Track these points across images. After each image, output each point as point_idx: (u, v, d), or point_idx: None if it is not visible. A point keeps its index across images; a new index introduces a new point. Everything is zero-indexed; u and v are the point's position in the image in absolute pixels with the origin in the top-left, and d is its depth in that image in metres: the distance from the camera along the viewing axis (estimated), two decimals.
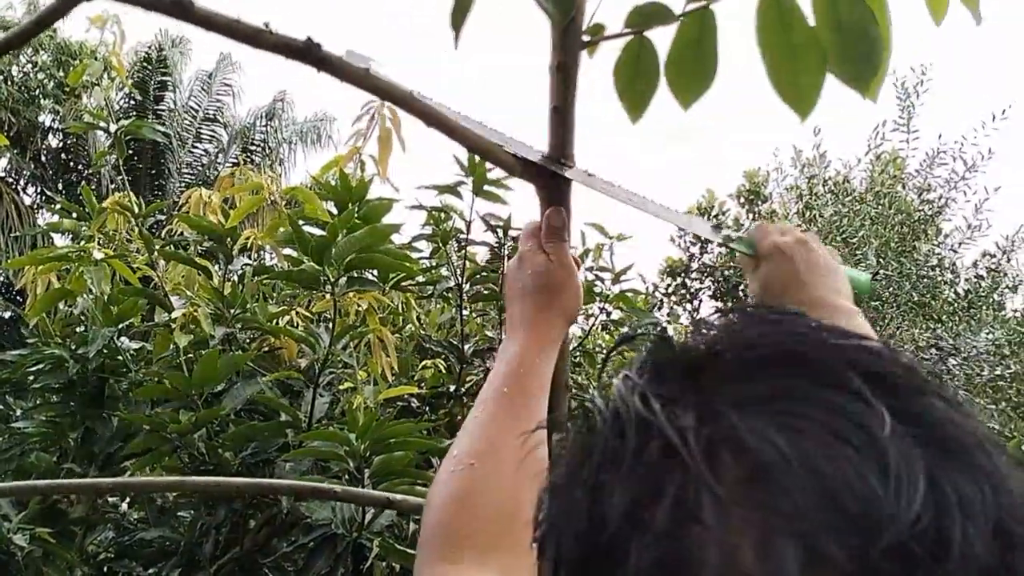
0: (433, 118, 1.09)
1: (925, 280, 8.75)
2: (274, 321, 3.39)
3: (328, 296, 3.03)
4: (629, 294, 3.97)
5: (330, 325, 3.14)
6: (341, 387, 3.39)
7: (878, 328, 8.77)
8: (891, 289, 8.72)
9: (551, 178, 1.18)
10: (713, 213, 13.68)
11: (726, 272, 13.14)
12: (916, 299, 8.66)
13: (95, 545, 3.57)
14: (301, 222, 2.94)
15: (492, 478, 0.98)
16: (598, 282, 3.93)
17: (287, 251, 3.31)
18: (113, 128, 3.49)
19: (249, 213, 3.72)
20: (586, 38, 1.14)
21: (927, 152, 10.03)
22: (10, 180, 16.71)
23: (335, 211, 3.17)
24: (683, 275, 13.92)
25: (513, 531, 0.91)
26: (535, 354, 1.12)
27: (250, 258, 3.79)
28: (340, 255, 2.85)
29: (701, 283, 13.79)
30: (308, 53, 1.03)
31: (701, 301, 13.72)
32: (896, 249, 8.79)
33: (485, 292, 3.84)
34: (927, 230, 9.17)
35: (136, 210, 3.55)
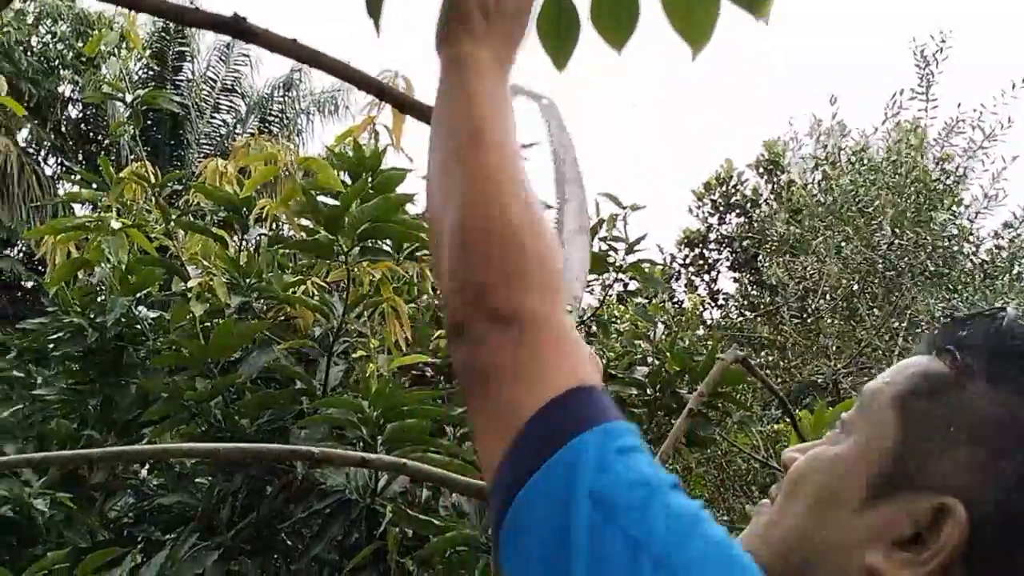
0: (372, 85, 1.14)
1: (941, 250, 8.69)
2: (290, 290, 3.42)
3: (342, 266, 3.05)
4: (644, 265, 3.98)
5: (344, 295, 3.17)
6: (355, 356, 3.42)
7: (894, 297, 8.75)
8: (907, 259, 8.67)
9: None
10: (732, 183, 13.60)
11: (744, 242, 13.08)
12: (932, 269, 8.61)
13: (115, 510, 3.64)
14: (315, 192, 2.96)
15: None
16: (612, 252, 3.93)
17: (302, 221, 3.34)
18: (129, 98, 3.51)
19: (267, 183, 3.74)
20: None
21: (946, 121, 9.95)
22: (31, 151, 16.80)
23: (349, 181, 3.19)
24: (701, 246, 13.87)
25: None
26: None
27: (267, 228, 3.82)
28: (353, 225, 2.87)
29: (719, 254, 13.73)
30: (235, 26, 1.05)
31: (719, 272, 13.69)
32: (912, 219, 8.73)
33: None
34: (944, 199, 9.10)
35: (153, 180, 3.58)
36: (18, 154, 15.25)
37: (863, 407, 0.83)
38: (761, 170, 13.33)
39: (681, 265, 14.13)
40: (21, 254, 15.91)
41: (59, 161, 17.55)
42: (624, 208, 3.90)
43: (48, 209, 14.24)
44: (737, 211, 13.64)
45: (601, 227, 3.99)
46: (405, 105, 1.18)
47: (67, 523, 3.20)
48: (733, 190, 13.69)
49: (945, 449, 0.76)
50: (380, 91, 1.26)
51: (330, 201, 3.03)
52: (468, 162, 0.83)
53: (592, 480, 0.67)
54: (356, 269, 3.13)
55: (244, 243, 3.58)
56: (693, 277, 14.13)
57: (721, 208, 13.74)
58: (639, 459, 0.70)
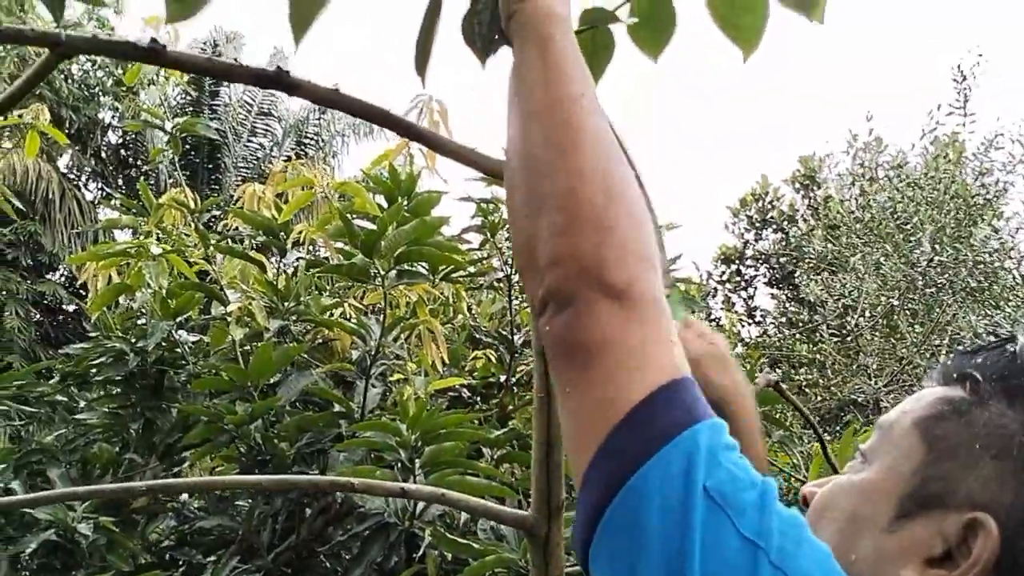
0: (412, 131, 1.16)
1: (982, 265, 8.59)
2: (327, 313, 3.44)
3: (379, 288, 3.07)
4: (680, 284, 3.96)
5: (381, 317, 3.18)
6: (392, 378, 3.44)
7: (934, 314, 8.64)
8: (947, 275, 8.57)
9: None
10: (768, 199, 13.53)
11: (781, 259, 12.98)
12: (973, 285, 8.52)
13: (157, 533, 3.67)
14: (351, 216, 2.99)
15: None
16: None
17: (338, 244, 3.36)
18: (169, 126, 3.56)
19: (303, 207, 3.77)
20: None
21: (984, 135, 9.86)
22: (72, 176, 17.07)
23: (385, 204, 3.21)
24: (737, 262, 13.80)
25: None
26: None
27: (304, 252, 3.85)
28: (390, 248, 2.89)
29: (756, 270, 13.66)
30: (279, 80, 1.07)
31: (756, 288, 13.60)
32: (952, 235, 8.64)
33: None
34: (984, 215, 9.00)
35: (192, 206, 3.63)
36: (59, 180, 15.49)
37: (883, 435, 0.84)
38: (797, 186, 13.26)
39: (718, 282, 14.06)
40: (63, 278, 16.14)
41: (99, 186, 17.81)
42: (659, 227, 3.89)
43: (89, 234, 14.45)
44: (773, 227, 13.56)
45: None
46: (438, 146, 1.20)
47: (109, 547, 3.22)
48: (769, 206, 13.61)
49: (970, 466, 0.76)
50: (420, 136, 1.27)
51: (366, 225, 3.05)
52: (564, 126, 0.81)
53: (707, 474, 0.67)
54: (392, 292, 3.14)
55: (282, 267, 3.61)
56: (730, 294, 14.06)
57: (757, 224, 13.67)
58: (742, 457, 0.70)
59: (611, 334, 0.72)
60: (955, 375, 0.82)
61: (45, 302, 15.59)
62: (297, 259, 3.67)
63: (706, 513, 0.66)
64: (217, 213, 9.27)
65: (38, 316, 15.15)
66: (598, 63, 1.32)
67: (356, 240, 2.87)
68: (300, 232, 3.45)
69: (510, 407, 3.82)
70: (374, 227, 2.91)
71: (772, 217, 13.26)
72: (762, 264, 13.53)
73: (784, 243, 12.72)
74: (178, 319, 3.53)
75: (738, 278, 13.72)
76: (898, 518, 0.78)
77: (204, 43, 16.99)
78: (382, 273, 2.97)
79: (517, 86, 0.87)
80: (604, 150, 0.80)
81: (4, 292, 14.60)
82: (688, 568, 0.64)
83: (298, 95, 1.11)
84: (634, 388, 0.70)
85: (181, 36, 4.00)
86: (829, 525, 0.81)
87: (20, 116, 3.57)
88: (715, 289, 13.61)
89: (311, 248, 3.95)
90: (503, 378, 3.88)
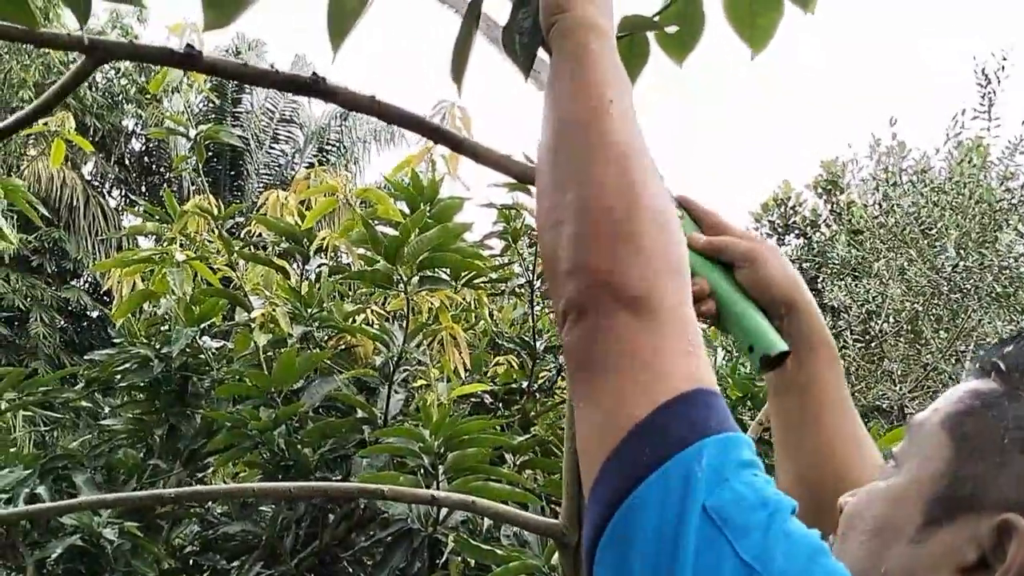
0: (442, 136, 1.15)
1: (1007, 271, 8.52)
2: (350, 320, 3.45)
3: (401, 295, 3.08)
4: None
5: (404, 323, 3.19)
6: (415, 384, 3.44)
7: (959, 320, 8.58)
8: (972, 281, 8.50)
9: None
10: (790, 204, 13.48)
11: (804, 265, 12.93)
12: (999, 290, 8.44)
13: (181, 538, 3.68)
14: (374, 222, 3.00)
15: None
16: None
17: (361, 251, 3.37)
18: (193, 133, 3.59)
19: (325, 213, 3.79)
20: None
21: (1009, 140, 9.78)
22: (96, 184, 17.22)
23: (407, 211, 3.22)
24: None
25: None
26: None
27: (327, 258, 3.86)
28: (412, 254, 2.89)
29: None
30: (315, 87, 1.08)
31: None
32: (977, 239, 8.58)
33: None
34: (1009, 219, 8.92)
35: (215, 212, 3.65)
36: (83, 187, 15.64)
37: (912, 436, 0.78)
38: (820, 191, 13.20)
39: None
40: (87, 284, 16.26)
41: (123, 193, 17.96)
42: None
43: (112, 241, 14.56)
44: (796, 232, 13.51)
45: None
46: (462, 148, 1.20)
47: (134, 552, 3.24)
48: (791, 211, 13.55)
49: (1001, 464, 0.71)
50: (456, 144, 1.27)
51: (389, 231, 3.06)
52: (591, 134, 0.80)
53: (707, 493, 0.64)
54: (415, 298, 3.15)
55: (305, 273, 3.62)
56: None
57: (779, 230, 13.61)
58: (758, 476, 0.67)
59: (624, 346, 0.71)
60: (986, 367, 0.77)
61: (70, 308, 15.73)
62: (320, 266, 3.68)
63: (702, 534, 0.63)
64: (240, 220, 9.33)
65: (63, 322, 15.28)
66: (632, 70, 1.32)
67: (379, 246, 2.88)
68: (323, 239, 3.47)
69: (532, 413, 3.82)
70: (396, 233, 2.92)
71: (795, 222, 13.21)
72: None
73: (807, 249, 12.66)
74: (202, 325, 3.55)
75: None
76: (927, 525, 0.72)
77: (226, 50, 17.10)
78: (405, 279, 2.97)
79: (550, 96, 0.86)
80: (631, 159, 0.78)
81: (29, 299, 14.74)
82: None
83: (334, 102, 1.11)
84: (641, 402, 0.68)
85: (204, 43, 4.03)
86: (858, 536, 0.76)
87: (45, 124, 3.60)
88: None
89: (334, 255, 3.96)
90: (525, 384, 3.88)
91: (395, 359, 3.21)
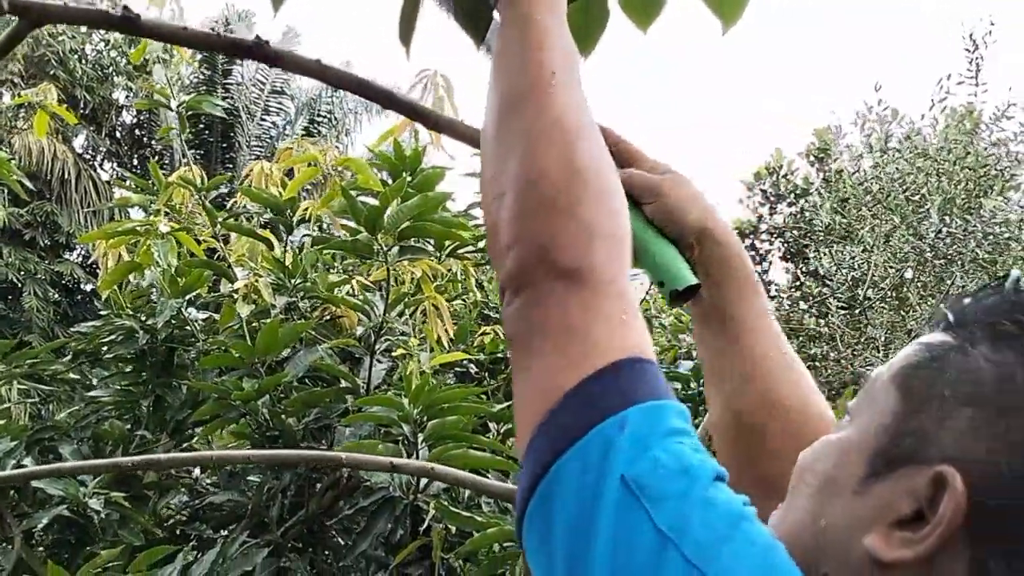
0: (395, 102, 1.16)
1: (991, 237, 8.52)
2: (335, 290, 3.46)
3: (383, 265, 3.08)
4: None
5: (385, 293, 3.20)
6: (397, 354, 3.46)
7: (944, 287, 8.59)
8: (955, 247, 8.51)
9: None
10: (782, 173, 13.47)
11: (796, 232, 12.95)
12: (983, 256, 8.45)
13: (169, 508, 3.71)
14: (355, 192, 3.00)
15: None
16: None
17: (343, 221, 3.37)
18: (175, 104, 3.58)
19: (314, 184, 3.79)
20: None
21: (996, 106, 9.77)
22: (87, 157, 17.17)
23: (391, 181, 3.22)
24: (751, 236, 13.74)
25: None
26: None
27: (312, 228, 3.86)
28: (392, 224, 2.90)
29: (770, 244, 13.61)
30: (258, 50, 1.07)
31: (771, 263, 13.55)
32: (962, 205, 8.57)
33: None
34: (994, 185, 8.92)
35: (199, 184, 3.65)
36: (75, 160, 15.59)
37: (866, 390, 0.77)
38: (812, 159, 13.19)
39: None
40: (80, 258, 16.26)
41: (114, 166, 17.90)
42: None
43: (105, 213, 14.54)
44: (788, 201, 13.51)
45: None
46: (418, 115, 1.20)
47: (122, 522, 3.26)
48: (784, 180, 13.55)
49: (942, 418, 0.68)
50: (409, 111, 1.27)
51: (371, 201, 3.06)
52: (532, 105, 0.80)
53: (627, 462, 0.64)
54: (397, 268, 3.16)
55: (289, 244, 3.63)
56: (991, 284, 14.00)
57: (771, 198, 13.61)
58: (684, 444, 0.67)
59: (557, 317, 0.71)
60: (940, 321, 0.75)
61: (63, 282, 15.73)
62: (303, 236, 3.69)
63: (620, 503, 0.63)
64: (227, 191, 9.32)
65: (56, 296, 15.28)
66: (590, 35, 1.31)
67: (359, 216, 2.89)
68: (306, 209, 3.47)
69: None
70: (376, 203, 2.92)
71: (786, 190, 13.20)
72: (776, 238, 13.48)
73: (799, 216, 12.67)
74: (187, 297, 3.56)
75: (752, 252, 13.67)
76: (868, 478, 0.70)
77: (215, 21, 17.00)
78: (385, 249, 2.98)
79: (495, 65, 0.86)
80: (570, 132, 0.78)
81: (22, 272, 14.73)
82: (589, 561, 0.62)
83: (280, 66, 1.11)
84: (570, 373, 0.68)
85: (193, 14, 4.01)
86: (805, 490, 0.74)
87: (24, 95, 3.58)
88: None
89: (319, 225, 3.97)
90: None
91: (377, 329, 3.23)
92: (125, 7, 0.99)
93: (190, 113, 3.78)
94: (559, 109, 0.79)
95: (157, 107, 3.89)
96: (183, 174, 3.80)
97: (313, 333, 3.42)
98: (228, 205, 4.72)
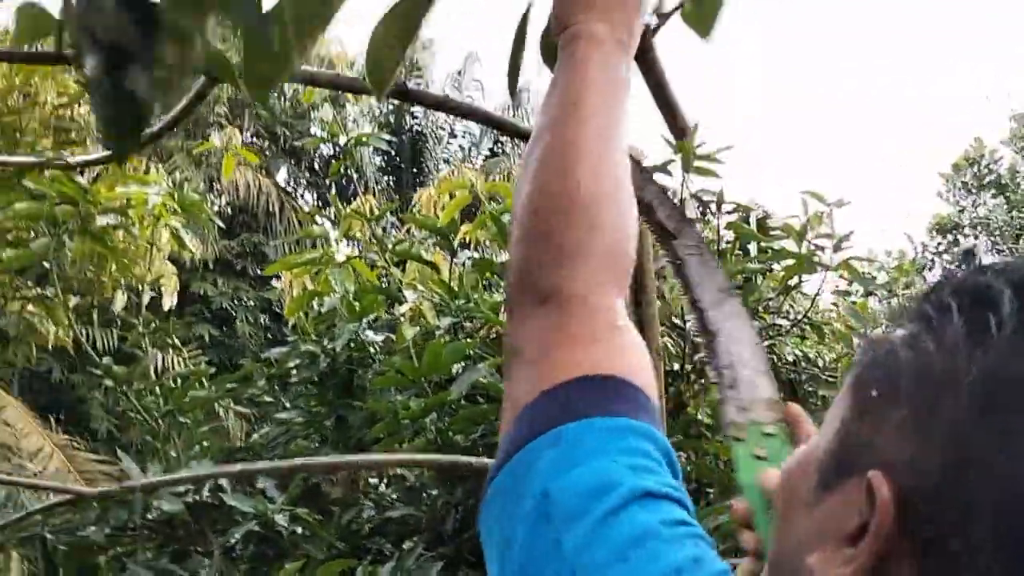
0: (502, 126, 1.21)
1: None
2: (496, 311, 3.56)
3: None
4: (854, 262, 3.82)
5: None
6: None
7: None
8: None
9: None
10: (984, 163, 12.74)
11: (1002, 226, 12.19)
12: None
13: (356, 523, 3.90)
14: (505, 217, 3.08)
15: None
16: (819, 252, 3.79)
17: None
18: (343, 140, 3.80)
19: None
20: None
21: None
22: (289, 189, 18.17)
23: None
24: (954, 231, 13.03)
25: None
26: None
27: (476, 252, 3.99)
28: None
29: (976, 239, 12.87)
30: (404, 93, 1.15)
31: (981, 260, 12.80)
32: None
33: None
34: None
35: (368, 214, 3.84)
36: (278, 193, 16.53)
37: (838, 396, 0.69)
38: (1017, 146, 12.41)
39: (934, 253, 13.33)
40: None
41: (315, 197, 18.87)
42: (829, 205, 3.77)
43: (306, 242, 15.33)
44: (993, 191, 12.75)
45: (809, 228, 3.86)
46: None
47: (308, 537, 3.46)
48: (986, 170, 12.81)
49: (883, 420, 0.60)
50: (514, 132, 1.34)
51: None
52: (554, 134, 0.83)
53: (548, 478, 0.66)
54: None
55: (454, 267, 3.76)
56: (948, 266, 13.31)
57: (973, 190, 12.88)
58: (618, 462, 0.67)
59: (528, 337, 0.76)
60: (901, 315, 0.65)
61: (272, 308, 16.68)
62: (468, 259, 3.82)
63: (534, 519, 0.65)
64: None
65: (265, 321, 16.23)
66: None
67: (506, 240, 2.96)
68: (466, 233, 3.59)
69: (688, 395, 3.82)
70: None
71: (990, 181, 12.47)
72: (982, 231, 12.73)
73: (1007, 208, 11.93)
74: (365, 320, 3.75)
75: (956, 248, 12.96)
76: (818, 489, 0.63)
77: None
78: None
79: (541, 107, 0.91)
80: (579, 163, 0.81)
81: (235, 300, 15.74)
82: (508, 571, 0.65)
83: (406, 100, 1.20)
84: (531, 389, 0.72)
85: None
86: (778, 505, 0.69)
87: (208, 140, 3.88)
88: (932, 261, 12.92)
89: (480, 249, 4.09)
90: (677, 367, 3.87)
91: None
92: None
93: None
94: (580, 137, 0.83)
95: (319, 145, 4.11)
96: (356, 207, 4.01)
97: (480, 352, 3.52)
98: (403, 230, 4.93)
